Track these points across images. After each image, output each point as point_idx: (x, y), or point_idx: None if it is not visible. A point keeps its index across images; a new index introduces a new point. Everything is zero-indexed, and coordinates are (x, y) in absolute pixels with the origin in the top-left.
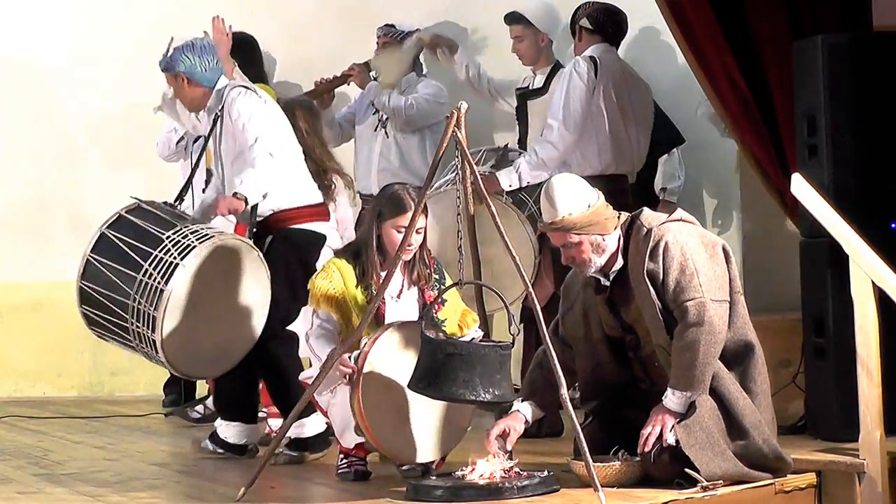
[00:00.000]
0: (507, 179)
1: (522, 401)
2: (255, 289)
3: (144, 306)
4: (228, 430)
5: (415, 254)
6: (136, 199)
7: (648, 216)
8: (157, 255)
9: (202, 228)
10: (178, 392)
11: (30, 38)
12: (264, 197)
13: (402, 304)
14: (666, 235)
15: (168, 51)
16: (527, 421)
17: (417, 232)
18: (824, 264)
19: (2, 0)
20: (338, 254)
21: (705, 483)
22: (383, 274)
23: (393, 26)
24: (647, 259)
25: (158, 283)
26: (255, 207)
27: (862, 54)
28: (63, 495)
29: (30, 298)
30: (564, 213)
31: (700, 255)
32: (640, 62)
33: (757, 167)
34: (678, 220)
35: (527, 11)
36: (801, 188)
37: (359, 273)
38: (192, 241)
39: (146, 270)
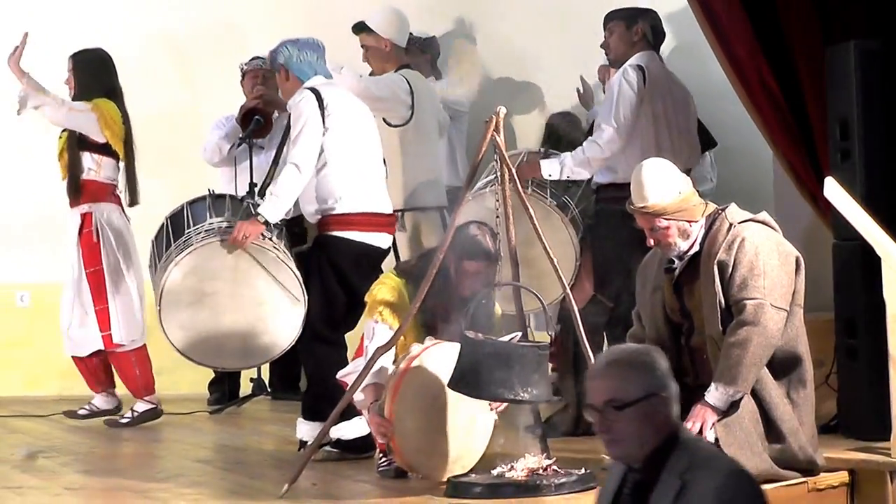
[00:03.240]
0: (549, 168)
1: None
2: (279, 289)
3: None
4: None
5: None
6: (209, 190)
7: (734, 212)
8: (171, 251)
9: (219, 226)
10: (223, 391)
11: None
12: (287, 214)
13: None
14: (744, 232)
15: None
16: None
17: (486, 276)
18: (856, 266)
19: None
20: (401, 272)
21: None
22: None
23: (411, 34)
24: (721, 250)
25: (161, 275)
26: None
27: (893, 59)
28: (110, 491)
29: None
30: (655, 199)
31: (772, 259)
32: (680, 66)
33: (790, 171)
34: (760, 222)
35: (371, 20)
36: (833, 192)
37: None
38: (194, 241)
39: (157, 263)
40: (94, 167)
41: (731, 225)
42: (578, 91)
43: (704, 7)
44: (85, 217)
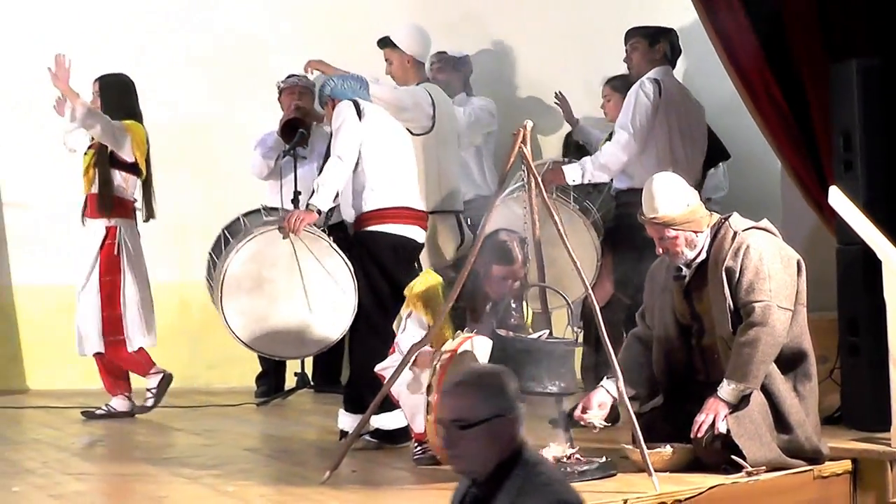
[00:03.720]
0: (571, 174)
1: (609, 378)
2: (333, 279)
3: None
4: (385, 421)
5: (504, 297)
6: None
7: (737, 220)
8: (232, 244)
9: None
10: (269, 384)
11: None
12: (334, 200)
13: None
14: (749, 240)
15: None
16: (611, 395)
17: (515, 281)
18: (858, 269)
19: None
20: (439, 271)
21: (750, 469)
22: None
23: (445, 53)
24: (728, 257)
25: (221, 263)
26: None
27: (893, 75)
28: (164, 478)
29: None
30: (665, 210)
31: (775, 263)
32: (695, 81)
33: (797, 180)
34: (763, 229)
35: (395, 36)
36: (837, 199)
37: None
38: (255, 231)
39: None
40: (123, 184)
41: (735, 233)
42: (556, 105)
43: (716, 26)
44: (109, 230)
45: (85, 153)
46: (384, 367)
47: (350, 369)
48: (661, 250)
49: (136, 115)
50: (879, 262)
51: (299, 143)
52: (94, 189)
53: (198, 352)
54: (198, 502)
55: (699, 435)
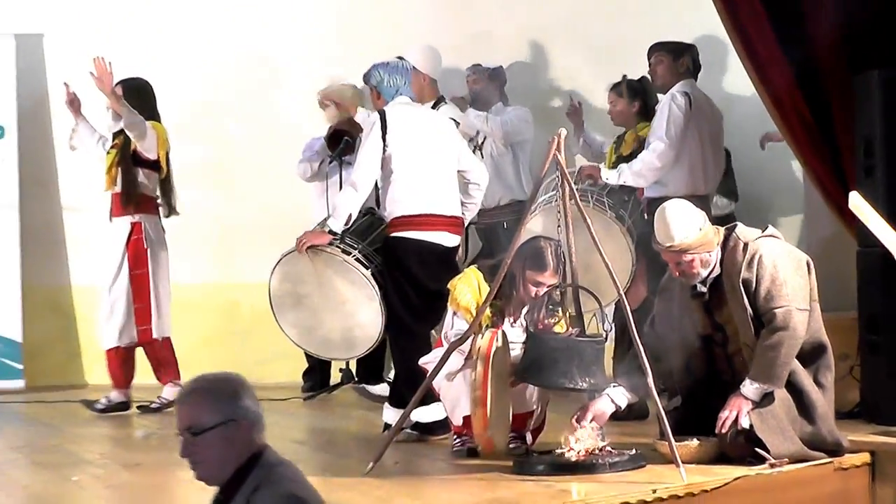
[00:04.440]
0: (608, 174)
1: (615, 387)
2: (355, 287)
3: None
4: (425, 415)
5: (540, 298)
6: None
7: (743, 231)
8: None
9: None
10: (315, 380)
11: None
12: (346, 224)
13: (515, 329)
14: (760, 249)
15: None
16: (616, 406)
17: (548, 287)
18: (878, 271)
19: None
20: (479, 267)
21: (773, 461)
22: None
23: (480, 65)
24: (743, 269)
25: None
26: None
27: None
28: None
29: (186, 301)
30: (680, 238)
31: (788, 268)
32: (716, 92)
33: (819, 185)
34: (769, 236)
35: (409, 56)
36: (858, 204)
37: (490, 291)
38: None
39: None
40: (145, 181)
41: (745, 244)
42: (569, 112)
43: (744, 39)
44: (135, 225)
45: (107, 152)
46: (427, 361)
47: (394, 367)
48: (677, 273)
49: (156, 116)
50: None
51: (344, 151)
52: (118, 188)
53: (247, 349)
54: None
55: (724, 430)
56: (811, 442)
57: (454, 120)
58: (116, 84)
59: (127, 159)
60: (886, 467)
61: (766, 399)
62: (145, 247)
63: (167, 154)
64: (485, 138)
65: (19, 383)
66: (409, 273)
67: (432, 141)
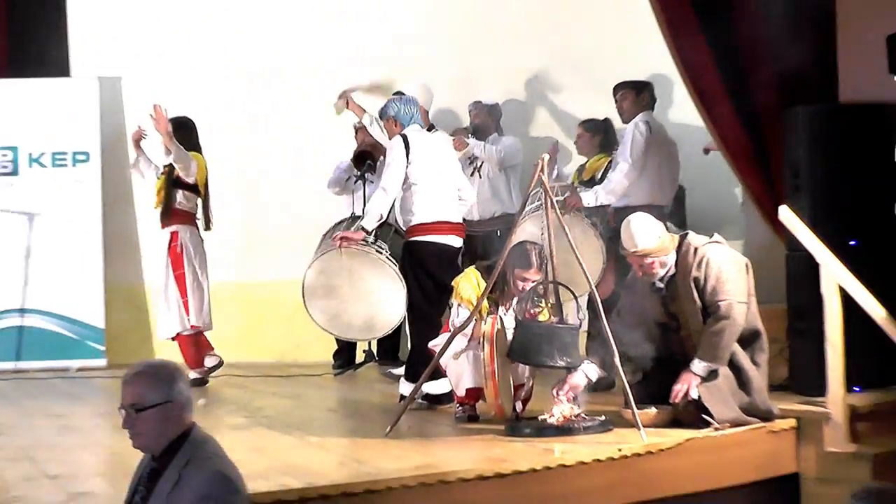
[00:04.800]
0: (587, 198)
1: (588, 364)
2: (383, 280)
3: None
4: (434, 388)
5: (527, 291)
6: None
7: (694, 238)
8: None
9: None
10: (344, 359)
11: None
12: (378, 222)
13: (508, 316)
14: (707, 253)
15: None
16: (588, 379)
17: (533, 282)
18: (803, 270)
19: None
20: (478, 267)
21: (717, 425)
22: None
23: (480, 101)
24: (693, 269)
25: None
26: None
27: (830, 120)
28: (263, 431)
29: (238, 293)
30: (643, 245)
31: (730, 268)
32: (671, 122)
33: (755, 200)
34: (715, 242)
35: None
36: (787, 216)
37: (486, 286)
38: (320, 252)
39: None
40: (184, 200)
41: (696, 249)
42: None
43: (694, 79)
44: (173, 234)
45: (158, 178)
46: (436, 344)
47: (410, 347)
48: (640, 273)
49: (198, 147)
50: (818, 265)
51: (368, 170)
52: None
53: (288, 334)
54: (288, 450)
55: (676, 400)
56: (748, 410)
57: None
58: (168, 121)
59: (170, 182)
60: (809, 430)
61: (711, 375)
62: (180, 252)
63: (206, 179)
64: (482, 162)
65: (102, 362)
66: (427, 270)
67: (441, 160)
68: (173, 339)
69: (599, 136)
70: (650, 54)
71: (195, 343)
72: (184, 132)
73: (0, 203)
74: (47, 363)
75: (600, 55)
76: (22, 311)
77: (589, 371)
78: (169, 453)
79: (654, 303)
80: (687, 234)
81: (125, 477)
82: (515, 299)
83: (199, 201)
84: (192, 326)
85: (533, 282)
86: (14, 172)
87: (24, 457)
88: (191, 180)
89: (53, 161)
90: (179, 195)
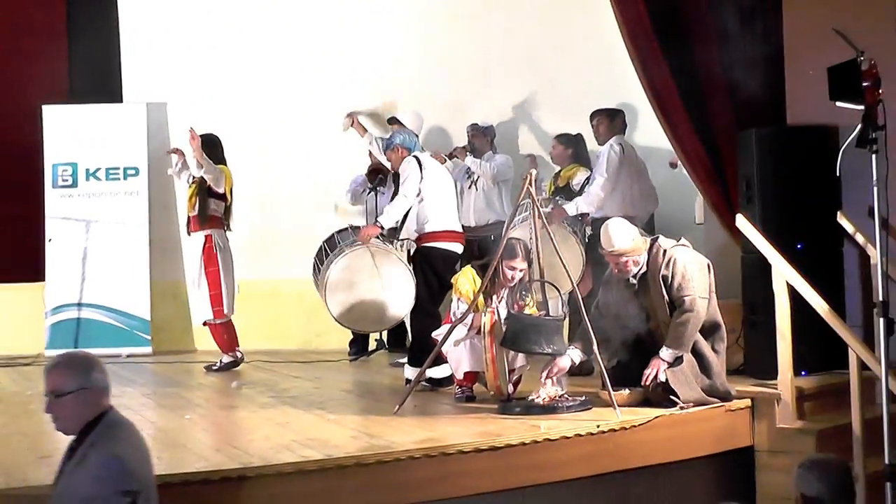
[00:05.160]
0: (570, 209)
1: (571, 350)
2: (398, 278)
3: (320, 283)
4: (436, 372)
5: (517, 283)
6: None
7: (663, 241)
8: (330, 257)
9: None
10: (359, 347)
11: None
12: (397, 223)
13: (500, 306)
14: (675, 254)
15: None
16: (573, 362)
17: (520, 270)
18: (756, 269)
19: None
20: (473, 265)
21: (682, 405)
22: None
23: (477, 124)
24: (662, 268)
25: (324, 273)
26: (395, 229)
27: (779, 140)
28: (287, 409)
29: (266, 289)
30: (619, 245)
31: (694, 268)
32: (638, 144)
33: (714, 209)
34: (682, 245)
35: (400, 116)
36: (742, 223)
37: (482, 282)
38: (346, 250)
39: (318, 269)
40: (215, 207)
41: (664, 250)
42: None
43: (660, 102)
44: (207, 237)
45: (189, 186)
46: (438, 333)
47: (412, 337)
48: (616, 270)
49: (224, 161)
50: (770, 265)
51: (380, 183)
52: (195, 211)
53: (310, 325)
54: (310, 426)
55: (647, 383)
56: (709, 391)
57: None
58: (197, 137)
59: (203, 192)
60: (762, 409)
61: (677, 361)
62: (215, 251)
63: (231, 189)
64: (478, 177)
65: (148, 350)
66: (435, 272)
67: (444, 177)
68: (204, 324)
69: (572, 148)
70: (621, 86)
71: (226, 330)
72: (212, 147)
73: (61, 211)
74: (101, 350)
75: (578, 84)
76: (79, 304)
77: (574, 355)
78: (84, 434)
79: (627, 297)
80: (658, 237)
81: (169, 448)
82: (505, 290)
83: (223, 207)
84: (223, 315)
85: (520, 270)
86: (73, 185)
87: None
88: (220, 190)
89: (107, 175)
90: (212, 203)
